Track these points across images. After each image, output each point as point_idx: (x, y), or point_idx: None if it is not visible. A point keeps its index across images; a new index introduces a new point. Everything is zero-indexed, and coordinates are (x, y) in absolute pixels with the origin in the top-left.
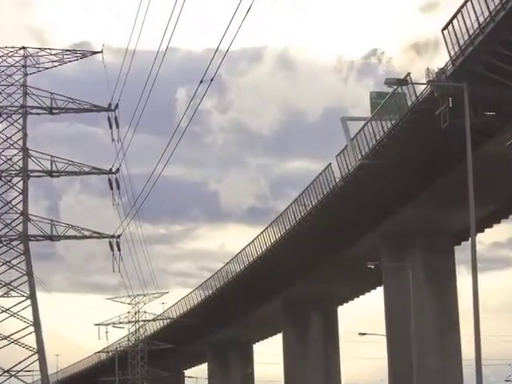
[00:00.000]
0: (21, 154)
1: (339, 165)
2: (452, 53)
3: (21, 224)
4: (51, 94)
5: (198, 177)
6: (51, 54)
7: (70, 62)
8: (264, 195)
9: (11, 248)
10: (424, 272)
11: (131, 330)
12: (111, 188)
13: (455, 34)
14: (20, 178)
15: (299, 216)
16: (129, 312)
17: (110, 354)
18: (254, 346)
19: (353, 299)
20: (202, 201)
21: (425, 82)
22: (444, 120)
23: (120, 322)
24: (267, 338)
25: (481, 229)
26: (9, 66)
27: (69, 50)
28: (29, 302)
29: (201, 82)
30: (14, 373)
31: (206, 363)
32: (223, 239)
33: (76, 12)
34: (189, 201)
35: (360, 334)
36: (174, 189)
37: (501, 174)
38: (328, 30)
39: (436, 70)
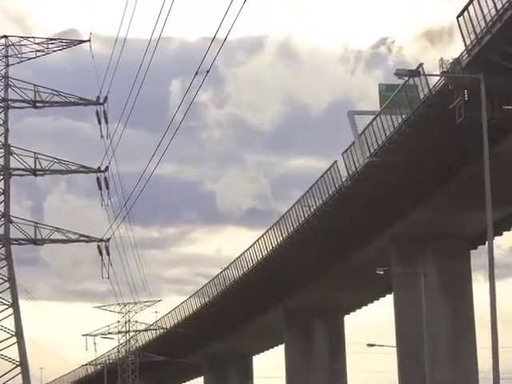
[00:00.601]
0: (2, 150)
1: (346, 162)
2: (468, 42)
3: (2, 226)
4: (35, 86)
5: (194, 175)
6: (35, 43)
7: (55, 51)
8: (264, 195)
9: None
10: (437, 278)
11: (121, 341)
12: (100, 188)
13: (471, 22)
14: (1, 177)
15: (302, 218)
16: (119, 321)
17: (99, 366)
18: (254, 358)
19: (360, 308)
20: (197, 201)
21: (438, 73)
22: (459, 114)
23: (109, 333)
24: (268, 349)
25: (498, 232)
26: None
27: (54, 39)
28: (11, 310)
29: (196, 73)
30: None
31: (202, 377)
32: (220, 243)
33: None
34: (183, 201)
35: (368, 345)
36: (168, 188)
37: None
38: (334, 18)
39: (450, 61)
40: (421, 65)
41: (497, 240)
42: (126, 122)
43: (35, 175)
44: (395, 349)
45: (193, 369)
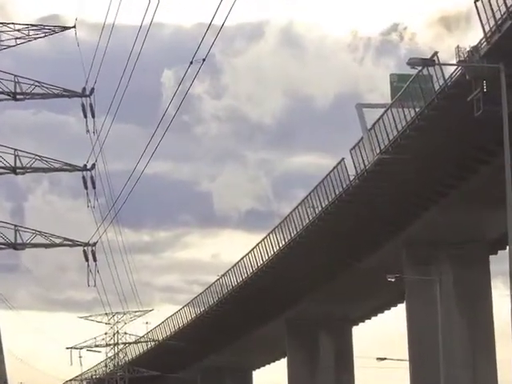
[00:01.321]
0: None
1: (354, 160)
2: (487, 28)
3: None
4: (15, 76)
5: (188, 174)
6: (15, 30)
7: (37, 39)
8: (265, 196)
9: None
10: (453, 286)
11: (109, 355)
12: (86, 187)
13: (490, 6)
14: None
15: (307, 220)
16: (106, 333)
17: (84, 382)
18: (254, 373)
19: (370, 318)
20: (192, 202)
21: (455, 62)
22: (477, 107)
23: (96, 345)
24: (269, 363)
25: None
26: None
27: (35, 25)
28: None
29: (191, 62)
30: None
31: None
32: (217, 248)
33: None
34: (177, 202)
35: (378, 358)
36: (160, 188)
37: None
38: (341, 1)
39: (468, 49)
40: (436, 53)
41: None
42: (114, 115)
43: (15, 173)
44: (408, 363)
45: None
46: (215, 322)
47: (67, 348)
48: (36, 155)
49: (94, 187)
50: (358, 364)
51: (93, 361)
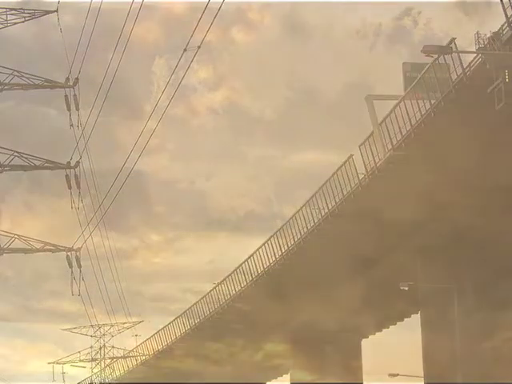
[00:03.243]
0: None
1: (363, 157)
2: (509, 12)
3: None
4: None
5: (181, 172)
6: None
7: (16, 24)
8: (266, 196)
9: None
10: (474, 295)
11: (95, 371)
12: (69, 187)
13: None
14: None
15: (312, 223)
16: (92, 347)
17: None
18: None
19: (381, 330)
20: (186, 203)
21: (474, 49)
22: (499, 99)
23: (80, 360)
24: (270, 380)
25: None
26: None
27: (14, 9)
28: None
29: (185, 49)
30: None
31: None
32: (213, 253)
33: None
34: (169, 203)
35: (391, 375)
36: (150, 188)
37: None
38: None
39: (488, 35)
40: (453, 40)
41: None
42: (100, 108)
43: None
44: (422, 380)
45: None
46: (211, 335)
47: (49, 363)
48: (14, 152)
49: (79, 187)
50: (368, 380)
51: (77, 377)
